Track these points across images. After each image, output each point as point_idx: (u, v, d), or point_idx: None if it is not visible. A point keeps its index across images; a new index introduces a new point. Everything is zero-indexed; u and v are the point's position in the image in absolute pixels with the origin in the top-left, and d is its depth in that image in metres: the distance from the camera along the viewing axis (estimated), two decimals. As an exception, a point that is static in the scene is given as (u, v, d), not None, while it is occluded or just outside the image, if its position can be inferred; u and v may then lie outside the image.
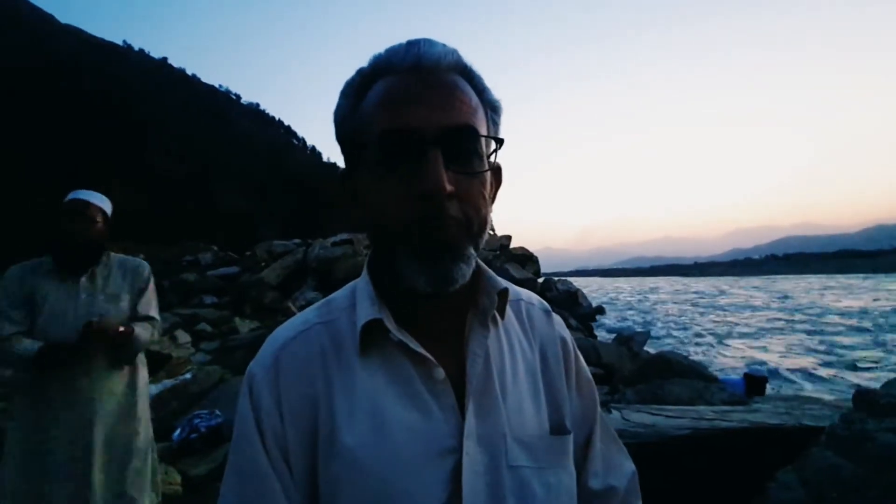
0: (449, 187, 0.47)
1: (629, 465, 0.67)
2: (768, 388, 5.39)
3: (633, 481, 0.66)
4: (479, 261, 0.57)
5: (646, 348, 10.70)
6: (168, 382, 4.33)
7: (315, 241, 16.71)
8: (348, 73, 0.56)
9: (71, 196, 1.87)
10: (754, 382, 4.94)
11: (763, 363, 11.63)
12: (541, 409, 0.58)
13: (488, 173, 0.54)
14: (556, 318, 0.68)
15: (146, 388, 2.02)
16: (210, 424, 3.37)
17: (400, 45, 0.52)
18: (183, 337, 6.59)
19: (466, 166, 0.51)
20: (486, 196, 0.53)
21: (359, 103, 0.54)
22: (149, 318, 1.95)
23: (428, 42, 0.52)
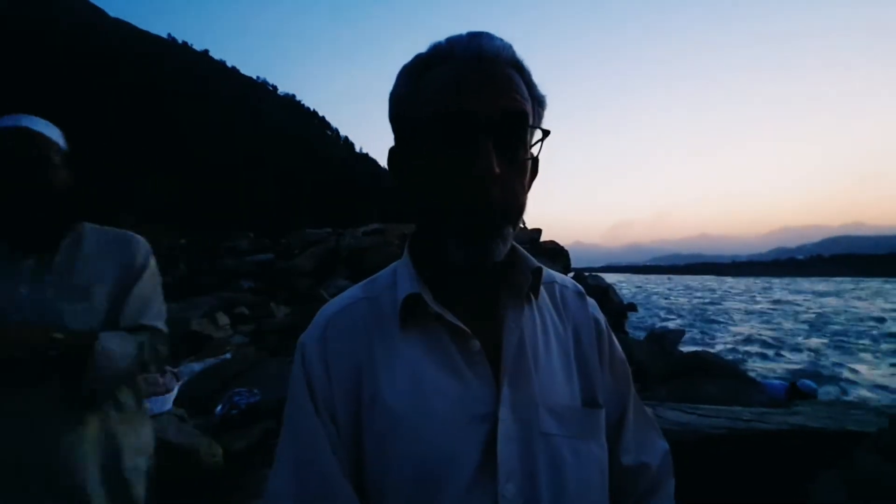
0: (497, 170, 0.51)
1: (663, 444, 0.69)
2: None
3: (667, 460, 0.68)
4: (515, 242, 0.61)
5: (679, 347, 10.42)
6: (210, 361, 4.55)
7: (347, 230, 17.03)
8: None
9: (4, 124, 1.10)
10: (799, 394, 4.68)
11: (810, 371, 11.13)
12: (573, 382, 0.61)
13: (529, 162, 0.58)
14: (590, 300, 0.71)
15: (144, 462, 1.22)
16: (249, 401, 3.55)
17: (461, 36, 0.56)
18: (222, 319, 6.89)
19: (513, 153, 0.54)
20: (525, 184, 0.58)
21: (416, 86, 0.57)
22: (141, 329, 1.17)
23: (489, 35, 0.55)
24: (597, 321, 0.67)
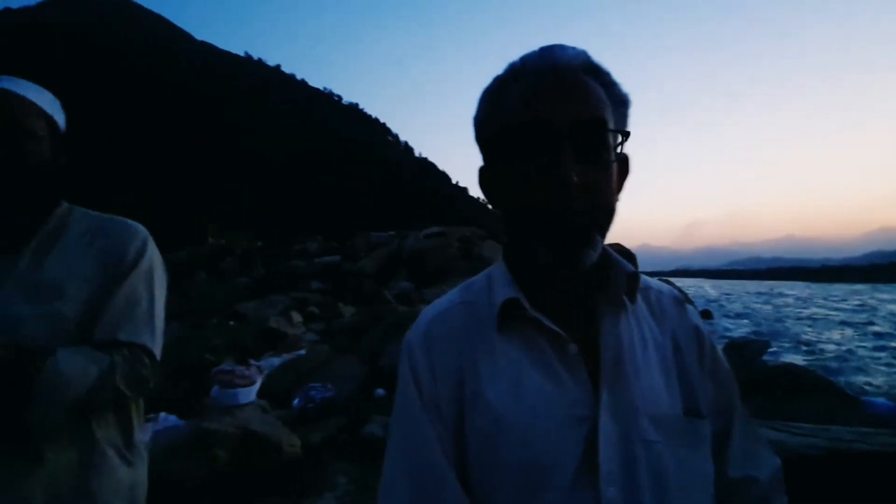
0: (576, 178, 0.52)
1: (773, 459, 0.66)
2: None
3: (778, 475, 0.65)
4: (608, 248, 0.62)
5: (764, 359, 9.60)
6: (286, 356, 4.85)
7: (409, 233, 17.41)
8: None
9: None
10: None
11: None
12: (673, 390, 0.60)
13: (615, 164, 0.58)
14: (690, 307, 0.69)
15: None
16: (324, 396, 3.75)
17: (534, 52, 0.59)
18: (296, 317, 7.31)
19: (594, 157, 0.55)
20: (613, 185, 0.58)
21: (496, 105, 0.60)
22: (117, 345, 0.91)
23: (560, 47, 0.58)
24: (697, 329, 0.66)
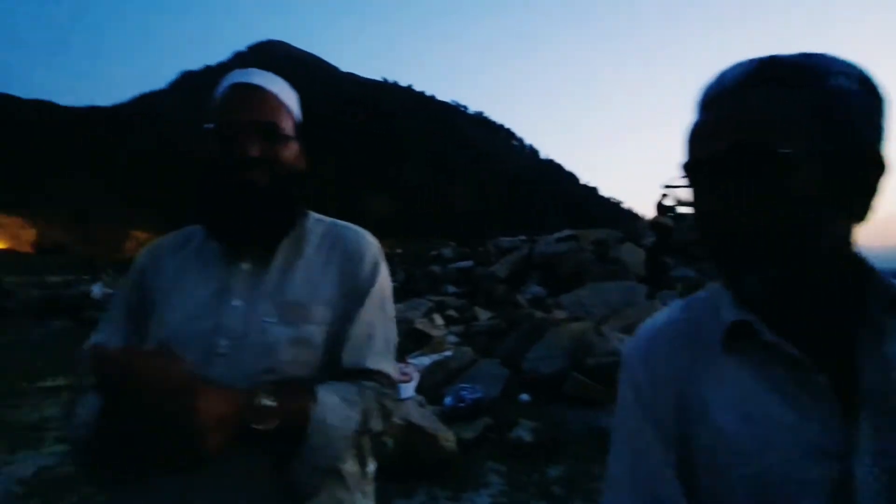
0: (733, 206, 0.52)
1: None
2: None
3: None
4: (870, 262, 0.55)
5: None
6: (434, 357, 5.17)
7: (539, 237, 17.18)
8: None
9: (232, 80, 0.86)
10: None
11: None
12: None
13: (791, 184, 0.52)
14: None
15: None
16: (474, 397, 3.91)
17: (722, 71, 0.57)
18: (438, 320, 7.75)
19: (764, 183, 0.52)
20: (803, 213, 0.52)
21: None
22: (365, 375, 0.85)
23: (734, 65, 0.55)
24: None
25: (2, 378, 6.15)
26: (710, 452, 0.55)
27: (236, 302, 0.81)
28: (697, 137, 0.57)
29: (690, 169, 0.60)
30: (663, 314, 0.68)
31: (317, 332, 0.82)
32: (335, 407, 0.77)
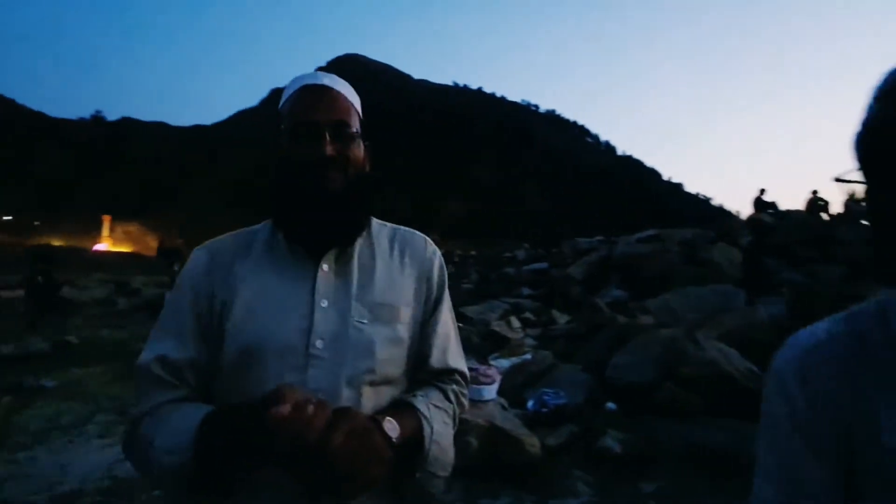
0: None
1: None
2: None
3: None
4: None
5: None
6: (515, 360, 5.13)
7: (619, 237, 16.38)
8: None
9: (301, 83, 0.86)
10: None
11: None
12: None
13: None
14: None
15: None
16: (556, 402, 3.82)
17: None
18: (515, 322, 7.67)
19: None
20: None
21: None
22: (448, 374, 0.91)
23: None
24: None
25: (130, 373, 7.04)
26: (878, 472, 0.52)
27: (324, 303, 0.80)
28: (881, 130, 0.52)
29: (874, 163, 0.56)
30: (821, 326, 0.63)
31: (405, 331, 0.84)
32: (436, 416, 0.81)
